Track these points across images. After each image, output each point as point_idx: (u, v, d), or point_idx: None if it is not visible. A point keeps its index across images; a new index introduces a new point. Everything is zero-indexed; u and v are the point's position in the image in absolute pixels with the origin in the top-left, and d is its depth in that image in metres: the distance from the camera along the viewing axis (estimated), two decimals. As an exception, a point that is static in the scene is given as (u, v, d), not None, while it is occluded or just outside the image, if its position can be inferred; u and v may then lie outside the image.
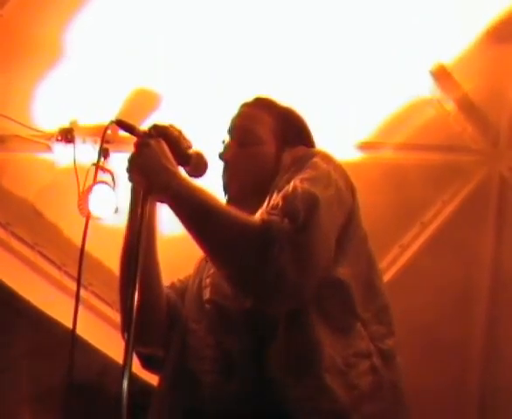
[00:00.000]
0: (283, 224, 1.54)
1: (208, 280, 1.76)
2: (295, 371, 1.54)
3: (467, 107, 3.70)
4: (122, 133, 3.51)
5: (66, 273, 4.20)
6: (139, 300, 1.60)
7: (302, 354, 1.56)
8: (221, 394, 1.59)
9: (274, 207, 1.60)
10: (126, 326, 1.51)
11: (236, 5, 3.21)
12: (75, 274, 4.09)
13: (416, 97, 3.63)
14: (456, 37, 3.43)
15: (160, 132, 1.73)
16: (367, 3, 3.25)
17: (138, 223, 1.60)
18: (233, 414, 1.56)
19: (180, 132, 1.78)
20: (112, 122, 1.75)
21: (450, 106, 3.67)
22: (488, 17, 3.36)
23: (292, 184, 1.63)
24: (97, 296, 4.39)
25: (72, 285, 4.10)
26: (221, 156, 1.91)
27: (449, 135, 3.82)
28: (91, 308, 4.32)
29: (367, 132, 3.82)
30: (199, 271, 1.87)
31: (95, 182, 3.39)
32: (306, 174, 1.67)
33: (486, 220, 4.17)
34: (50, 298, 4.19)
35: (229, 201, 1.87)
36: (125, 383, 1.43)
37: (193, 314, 1.77)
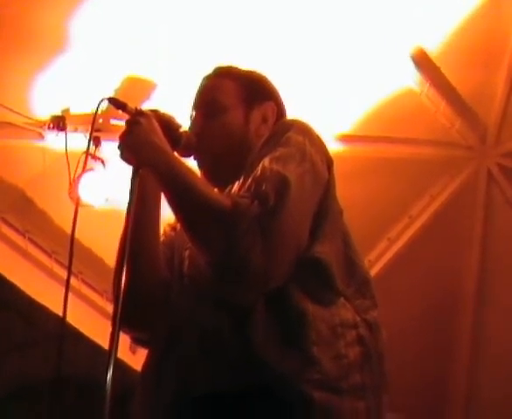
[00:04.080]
0: (252, 207, 1.53)
1: (187, 252, 1.75)
2: (281, 345, 1.53)
3: (456, 103, 3.72)
4: (114, 121, 3.59)
5: (57, 261, 4.21)
6: (136, 285, 1.65)
7: (287, 328, 1.55)
8: (206, 373, 1.58)
9: (246, 190, 1.59)
10: (123, 314, 1.52)
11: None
12: (66, 262, 4.07)
13: (405, 91, 3.64)
14: (446, 32, 3.45)
15: (148, 115, 1.73)
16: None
17: (134, 204, 1.63)
18: (220, 393, 1.55)
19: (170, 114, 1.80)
20: (104, 99, 1.75)
21: (438, 100, 3.68)
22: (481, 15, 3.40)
23: (261, 165, 1.62)
24: (87, 284, 4.41)
25: (63, 273, 4.12)
26: (190, 131, 1.88)
27: (437, 130, 3.83)
28: (81, 296, 4.34)
29: (354, 124, 3.83)
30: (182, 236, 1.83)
31: (85, 169, 3.41)
32: (277, 152, 1.65)
33: (473, 215, 4.22)
34: (40, 286, 4.21)
35: (205, 175, 1.86)
36: (109, 374, 1.45)
37: (175, 286, 1.76)
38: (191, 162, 1.86)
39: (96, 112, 1.76)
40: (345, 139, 3.86)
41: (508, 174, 4.03)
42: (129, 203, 1.66)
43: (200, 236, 1.60)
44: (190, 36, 3.31)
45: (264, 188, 1.56)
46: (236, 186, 1.73)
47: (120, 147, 1.68)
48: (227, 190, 1.77)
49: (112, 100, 1.75)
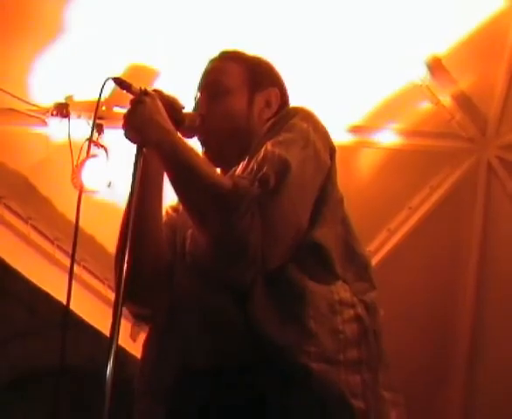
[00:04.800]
0: (252, 188, 1.56)
1: (190, 231, 1.77)
2: (280, 320, 1.57)
3: (457, 95, 3.74)
4: (116, 109, 3.61)
5: (59, 248, 4.23)
6: (139, 262, 1.67)
7: (286, 303, 1.59)
8: (207, 348, 1.61)
9: (249, 172, 1.62)
10: (126, 289, 1.55)
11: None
12: (68, 249, 4.13)
13: (406, 83, 3.66)
14: (448, 26, 3.47)
15: (152, 95, 1.76)
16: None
17: (137, 182, 1.67)
18: (221, 367, 1.58)
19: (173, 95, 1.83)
20: (109, 79, 1.76)
21: (440, 93, 3.70)
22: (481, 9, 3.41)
23: (264, 148, 1.65)
24: (89, 271, 4.43)
25: (65, 260, 4.14)
26: (194, 112, 1.92)
27: (438, 122, 3.85)
28: (83, 283, 4.36)
29: (356, 116, 3.85)
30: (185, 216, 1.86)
31: (88, 155, 3.44)
32: (281, 137, 1.68)
33: (473, 207, 4.23)
34: (42, 272, 4.23)
35: (208, 156, 1.89)
36: (111, 359, 1.48)
37: (178, 264, 1.78)
38: (194, 143, 1.89)
39: (101, 91, 1.77)
40: (350, 130, 3.88)
41: (508, 166, 4.04)
42: (133, 181, 1.68)
43: (200, 215, 1.63)
44: (192, 19, 3.32)
45: (265, 170, 1.59)
46: (240, 168, 1.75)
47: (124, 125, 1.71)
48: (231, 172, 1.79)
49: (117, 80, 1.77)
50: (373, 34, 3.42)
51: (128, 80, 1.80)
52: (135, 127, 1.69)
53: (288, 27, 3.36)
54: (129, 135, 1.71)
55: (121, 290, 1.57)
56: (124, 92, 1.76)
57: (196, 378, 1.60)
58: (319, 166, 1.71)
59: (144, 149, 1.71)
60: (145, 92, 1.75)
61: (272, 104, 1.95)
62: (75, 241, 1.78)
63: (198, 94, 1.97)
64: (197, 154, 1.69)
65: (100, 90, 1.76)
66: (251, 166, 1.64)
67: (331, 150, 1.78)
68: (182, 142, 1.69)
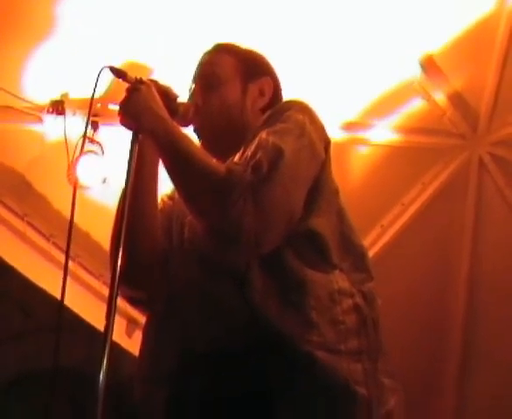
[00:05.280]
0: (245, 174, 1.59)
1: (188, 218, 1.80)
2: (280, 307, 1.59)
3: (449, 92, 3.77)
4: (112, 106, 3.63)
5: (55, 244, 4.25)
6: (135, 248, 1.70)
7: (286, 291, 1.62)
8: (209, 335, 1.63)
9: (243, 159, 1.66)
10: (121, 272, 1.57)
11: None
12: (63, 245, 4.14)
13: (399, 81, 3.69)
14: (441, 25, 3.50)
15: (147, 84, 1.80)
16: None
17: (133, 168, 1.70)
18: (224, 353, 1.60)
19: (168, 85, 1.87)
20: (104, 67, 1.80)
21: (432, 90, 3.73)
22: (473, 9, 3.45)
23: (259, 137, 1.69)
24: (84, 268, 4.45)
25: (60, 257, 4.16)
26: (189, 102, 1.96)
27: (430, 119, 3.88)
28: (77, 279, 4.38)
29: (350, 113, 3.88)
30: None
31: (83, 150, 3.46)
32: (276, 126, 1.72)
33: (465, 203, 4.25)
34: (38, 269, 4.25)
35: (203, 145, 1.92)
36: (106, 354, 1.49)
37: (176, 252, 1.81)
38: (191, 133, 1.93)
39: (97, 80, 1.80)
40: (343, 127, 3.91)
41: (500, 162, 4.07)
42: (128, 168, 1.71)
43: (195, 201, 1.66)
44: (187, 17, 3.34)
45: (258, 157, 1.62)
46: (236, 158, 1.78)
47: (120, 112, 1.74)
48: (227, 162, 1.80)
49: (113, 69, 1.80)
50: (367, 32, 3.45)
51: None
52: (131, 114, 1.73)
53: (284, 26, 3.38)
54: (125, 122, 1.74)
55: (116, 284, 1.58)
56: (120, 80, 1.80)
57: (196, 363, 1.62)
58: (313, 156, 1.74)
59: (140, 136, 1.74)
60: (140, 81, 1.78)
61: (265, 92, 1.99)
62: (70, 237, 1.82)
63: (193, 85, 2.01)
64: (191, 142, 1.72)
65: (95, 78, 1.79)
66: (245, 154, 1.68)
67: (326, 143, 1.81)
68: (177, 130, 1.72)
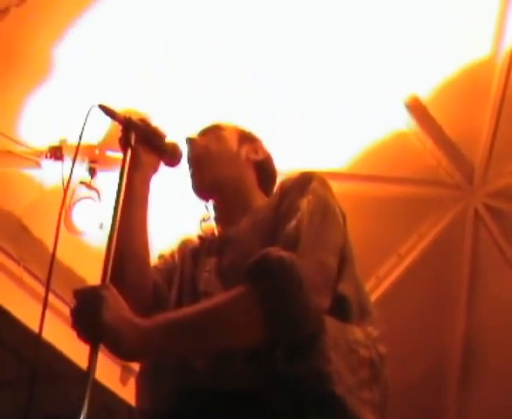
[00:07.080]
0: (292, 258, 1.56)
1: (206, 275, 1.77)
2: (300, 349, 1.54)
3: (443, 142, 3.80)
4: (109, 153, 3.68)
5: (52, 291, 4.24)
6: (127, 277, 1.71)
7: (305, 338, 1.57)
8: (213, 373, 1.58)
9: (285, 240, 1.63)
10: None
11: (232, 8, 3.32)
12: (60, 291, 4.14)
13: (392, 130, 3.73)
14: (432, 71, 3.55)
15: (136, 123, 1.84)
16: (342, 32, 3.36)
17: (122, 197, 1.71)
18: (228, 392, 1.56)
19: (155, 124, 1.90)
20: (94, 106, 1.80)
21: (425, 139, 3.77)
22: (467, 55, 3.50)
23: (296, 220, 1.67)
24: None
25: (56, 302, 4.15)
26: (188, 142, 2.01)
27: (425, 169, 3.91)
28: (67, 321, 4.35)
29: (341, 162, 3.91)
30: (190, 256, 1.88)
31: (72, 190, 3.49)
32: (307, 201, 1.72)
33: (461, 254, 4.26)
34: (34, 314, 4.23)
35: (193, 182, 1.96)
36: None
37: (184, 298, 1.78)
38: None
39: (86, 118, 1.79)
40: (334, 176, 3.91)
41: (495, 213, 4.09)
42: (118, 191, 1.72)
43: (244, 335, 1.56)
44: (181, 52, 3.42)
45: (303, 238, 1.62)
46: (241, 230, 1.80)
47: (82, 329, 1.51)
48: (232, 231, 1.83)
49: (102, 107, 1.82)
50: (358, 81, 3.52)
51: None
52: (107, 335, 1.48)
53: (277, 59, 3.45)
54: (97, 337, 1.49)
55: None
56: (110, 120, 1.82)
57: (198, 401, 1.59)
58: (339, 228, 1.76)
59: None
60: (130, 121, 1.82)
61: (259, 152, 2.06)
62: (50, 274, 1.77)
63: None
64: (183, 310, 1.62)
65: (85, 116, 1.78)
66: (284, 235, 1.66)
67: (343, 214, 1.84)
68: (160, 319, 1.55)
